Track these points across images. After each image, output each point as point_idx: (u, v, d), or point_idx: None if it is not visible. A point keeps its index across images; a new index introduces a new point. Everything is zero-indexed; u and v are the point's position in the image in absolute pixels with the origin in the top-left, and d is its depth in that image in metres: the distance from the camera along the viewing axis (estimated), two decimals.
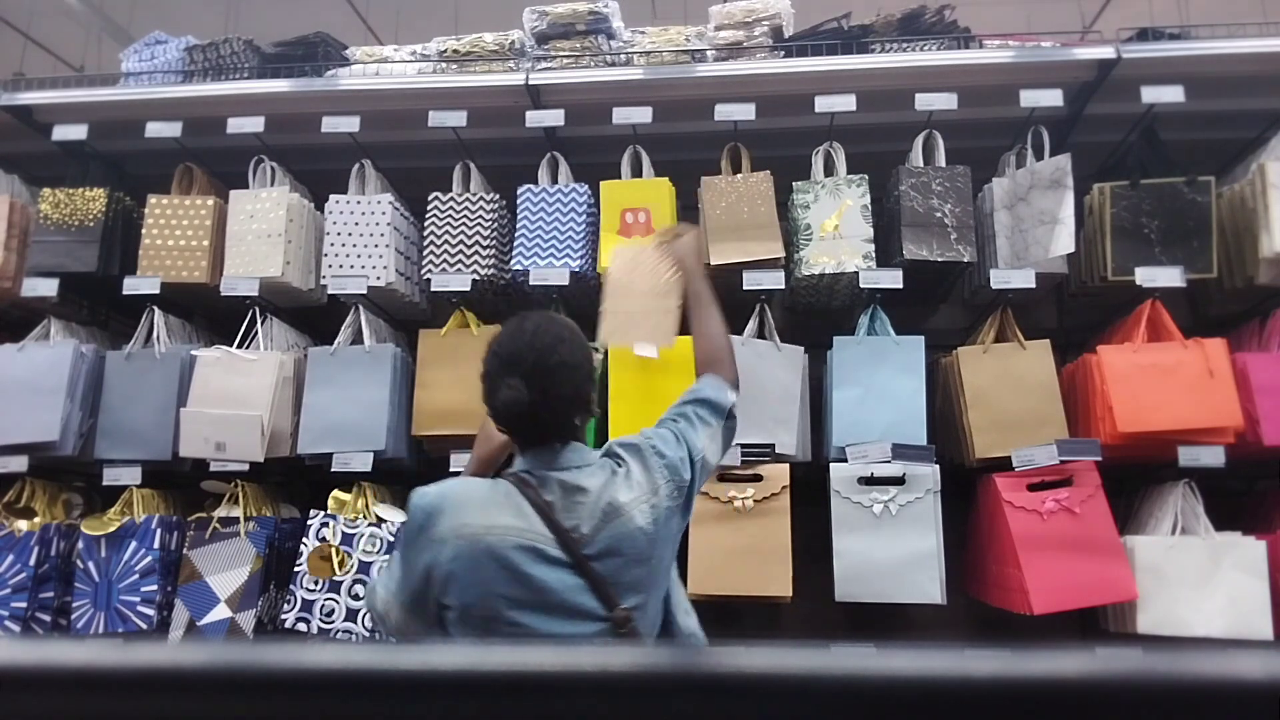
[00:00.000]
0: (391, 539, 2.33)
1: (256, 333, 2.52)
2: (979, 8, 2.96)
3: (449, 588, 1.34)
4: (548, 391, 1.40)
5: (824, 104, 2.38)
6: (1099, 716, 0.28)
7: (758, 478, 2.27)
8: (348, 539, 2.33)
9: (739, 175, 2.46)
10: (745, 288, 2.33)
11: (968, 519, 2.46)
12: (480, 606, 1.34)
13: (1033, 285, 2.30)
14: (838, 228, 2.38)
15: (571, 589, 1.35)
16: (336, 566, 2.30)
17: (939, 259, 2.31)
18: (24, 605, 2.33)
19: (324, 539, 2.33)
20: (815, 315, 2.67)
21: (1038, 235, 2.31)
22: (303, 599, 2.30)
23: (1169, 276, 2.27)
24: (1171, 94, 2.29)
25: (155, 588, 2.35)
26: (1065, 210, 2.26)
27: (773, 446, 2.28)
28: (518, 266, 2.43)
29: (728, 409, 1.66)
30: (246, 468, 2.39)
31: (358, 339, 2.51)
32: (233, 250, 2.51)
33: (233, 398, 2.40)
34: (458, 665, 0.30)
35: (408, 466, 2.51)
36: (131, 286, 2.50)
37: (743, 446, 2.26)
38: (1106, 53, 2.36)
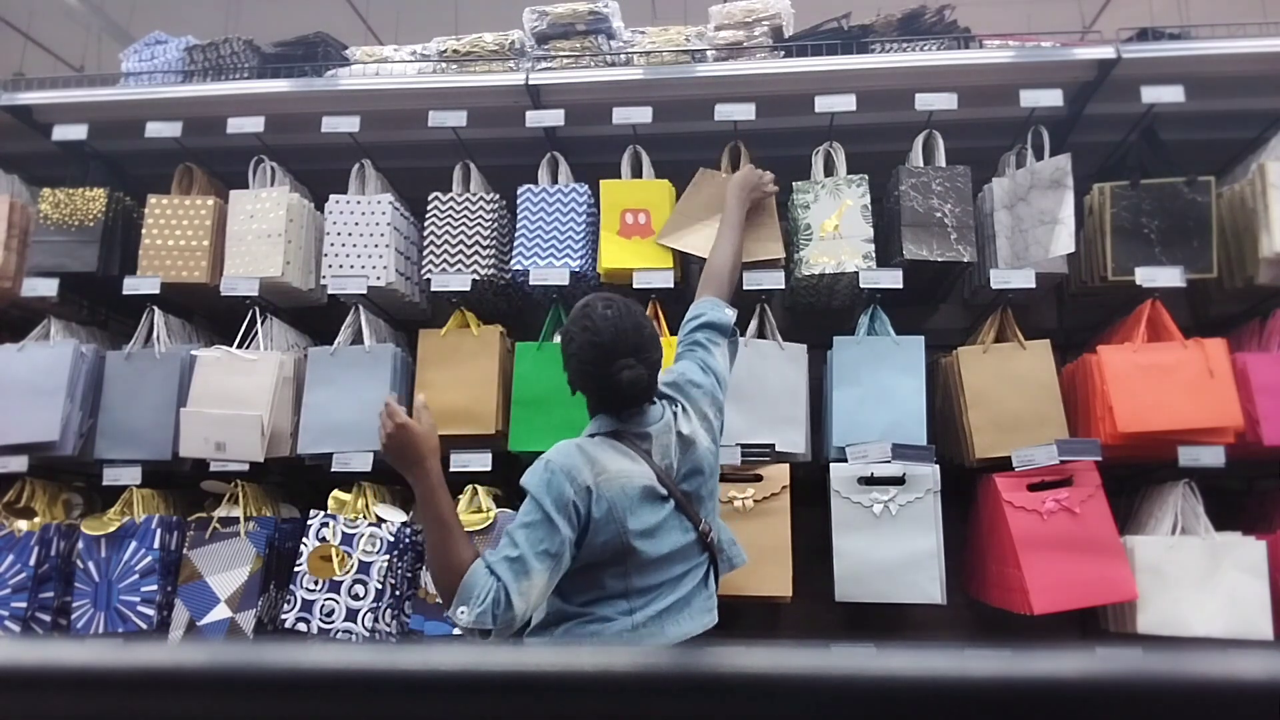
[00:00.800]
0: (391, 539, 2.33)
1: (256, 333, 2.52)
2: (979, 8, 2.96)
3: (599, 528, 1.56)
4: (653, 363, 1.65)
5: (824, 104, 2.38)
6: (1099, 716, 0.28)
7: (758, 478, 2.27)
8: (348, 539, 2.33)
9: None
10: (745, 288, 2.33)
11: (968, 519, 2.46)
12: (614, 540, 1.57)
13: (1033, 285, 2.30)
14: (838, 228, 2.38)
15: (671, 515, 1.64)
16: (337, 566, 2.30)
17: (939, 259, 2.31)
18: (24, 605, 2.33)
19: (324, 539, 2.33)
20: (815, 315, 2.67)
21: (1038, 235, 2.31)
22: (303, 599, 2.30)
23: (1169, 276, 2.27)
24: (1171, 94, 2.29)
25: (155, 588, 2.35)
26: (1065, 210, 2.26)
27: (772, 446, 2.28)
28: (518, 266, 2.43)
29: (730, 327, 1.94)
30: (246, 468, 2.39)
31: (358, 339, 2.51)
32: (233, 250, 2.51)
33: (233, 398, 2.40)
34: (458, 665, 0.30)
35: None
36: (131, 286, 2.51)
37: (743, 446, 2.26)
38: (1106, 53, 2.36)
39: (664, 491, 1.64)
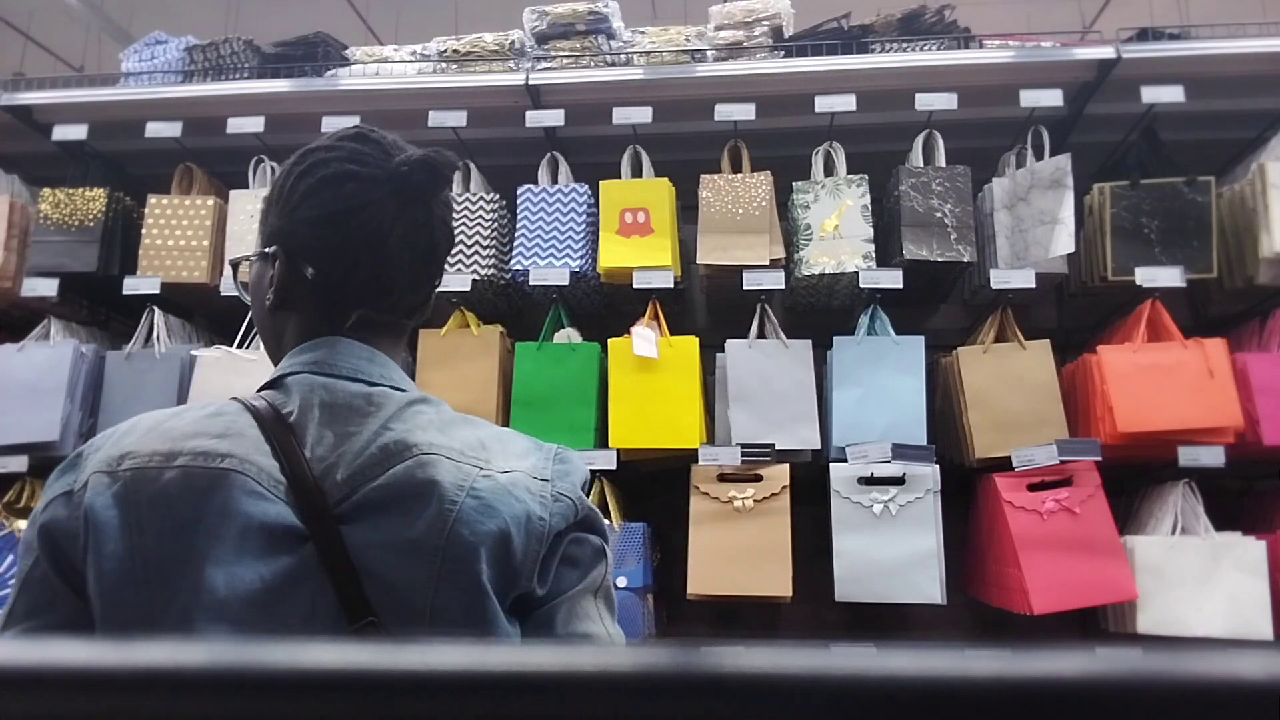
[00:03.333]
0: None
1: (257, 333, 2.51)
2: (979, 8, 2.96)
3: None
4: None
5: (824, 104, 2.38)
6: (1099, 716, 0.28)
7: (758, 478, 2.27)
8: None
9: (739, 175, 2.46)
10: (745, 288, 2.33)
11: (968, 519, 2.46)
12: None
13: (1033, 285, 2.30)
14: (838, 228, 2.38)
15: None
16: None
17: (939, 259, 2.31)
18: None
19: None
20: (815, 315, 2.67)
21: (1038, 235, 2.31)
22: None
23: (1169, 276, 2.27)
24: (1171, 94, 2.29)
25: None
26: (1065, 210, 2.26)
27: (773, 446, 2.28)
28: (518, 266, 2.43)
29: None
30: None
31: None
32: (233, 250, 2.51)
33: None
34: (458, 665, 0.30)
35: None
36: (131, 286, 2.50)
37: (743, 447, 2.26)
38: (1106, 53, 2.36)
39: None
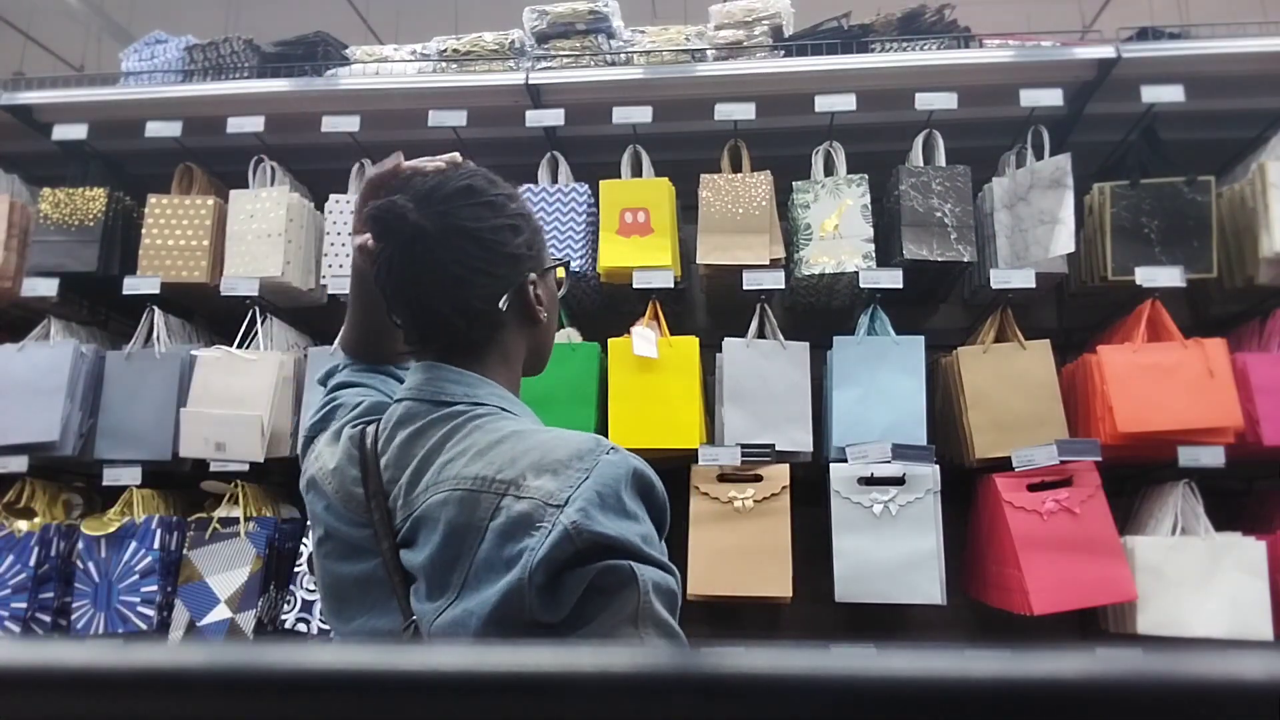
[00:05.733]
0: None
1: (256, 333, 2.52)
2: (979, 7, 2.96)
3: None
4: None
5: (824, 104, 2.38)
6: (1099, 717, 0.28)
7: (758, 478, 2.27)
8: None
9: (739, 174, 2.46)
10: (745, 288, 2.33)
11: (968, 519, 2.46)
12: None
13: (1033, 285, 2.30)
14: (837, 227, 2.38)
15: None
16: None
17: (939, 259, 2.31)
18: (24, 606, 2.33)
19: None
20: (815, 315, 2.67)
21: (1038, 235, 2.31)
22: (303, 599, 2.30)
23: (1169, 276, 2.27)
24: (1171, 94, 2.29)
25: (155, 588, 2.35)
26: (1065, 210, 2.26)
27: (772, 446, 2.28)
28: None
29: None
30: (246, 468, 2.39)
31: None
32: (233, 250, 2.51)
33: (233, 398, 2.40)
34: (458, 665, 0.30)
35: None
36: (131, 286, 2.50)
37: (743, 447, 2.26)
38: (1106, 52, 2.36)
39: None
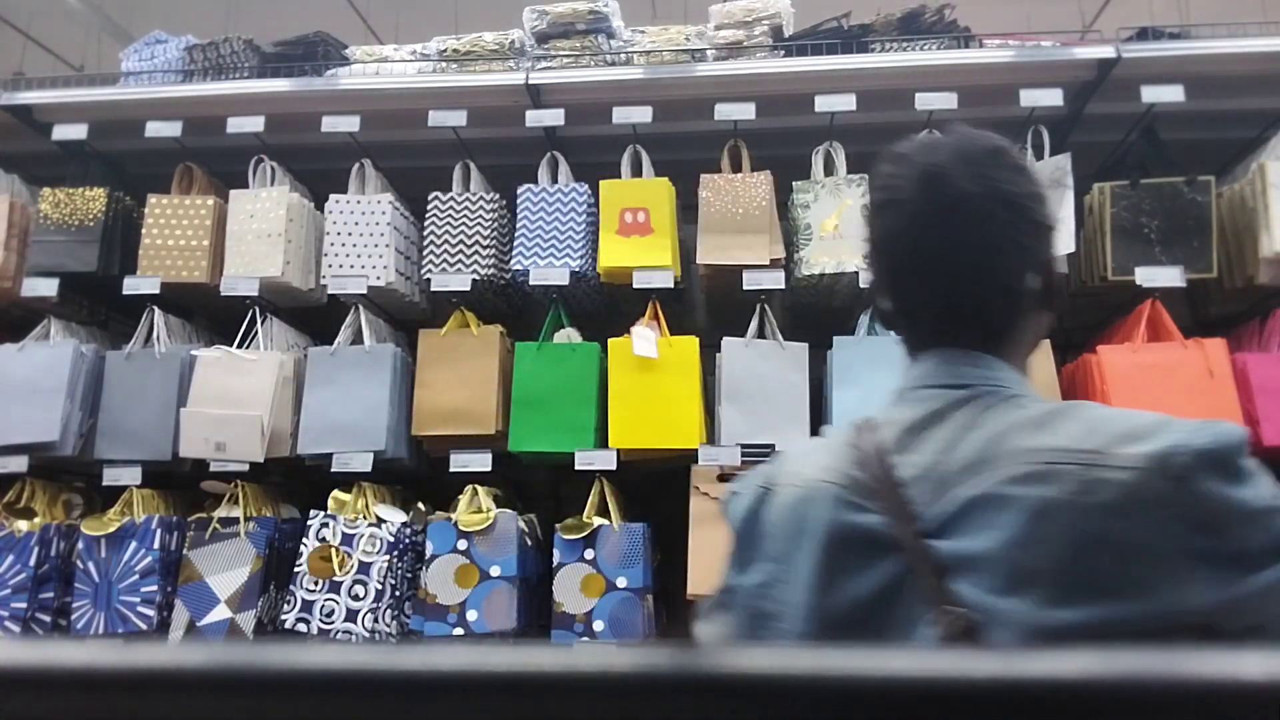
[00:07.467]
0: (391, 539, 2.33)
1: (256, 333, 2.52)
2: (979, 7, 2.96)
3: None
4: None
5: (824, 104, 2.38)
6: (1099, 717, 0.28)
7: None
8: (348, 539, 2.33)
9: (739, 174, 2.46)
10: (745, 288, 2.33)
11: None
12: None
13: None
14: (838, 227, 2.38)
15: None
16: (336, 567, 2.30)
17: None
18: (24, 606, 2.33)
19: (324, 539, 2.33)
20: (815, 315, 2.67)
21: None
22: (303, 599, 2.30)
23: (1169, 276, 2.27)
24: (1171, 94, 2.29)
25: (155, 588, 2.35)
26: (1065, 210, 2.26)
27: (772, 446, 2.28)
28: (518, 266, 2.43)
29: None
30: (246, 468, 2.39)
31: (358, 339, 2.51)
32: (233, 250, 2.51)
33: (233, 398, 2.40)
34: (458, 665, 0.30)
35: (408, 467, 2.51)
36: (131, 286, 2.50)
37: (744, 447, 2.26)
38: (1106, 52, 2.36)
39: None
